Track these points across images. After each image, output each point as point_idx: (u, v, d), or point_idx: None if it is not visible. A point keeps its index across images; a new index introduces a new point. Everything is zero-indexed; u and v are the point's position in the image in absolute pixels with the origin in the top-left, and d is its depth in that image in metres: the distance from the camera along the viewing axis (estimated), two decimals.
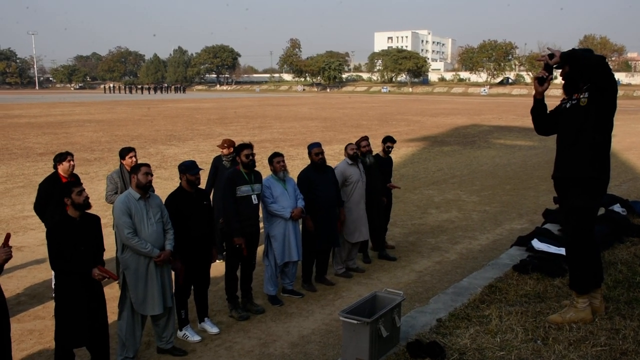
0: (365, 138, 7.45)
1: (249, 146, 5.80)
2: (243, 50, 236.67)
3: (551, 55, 4.09)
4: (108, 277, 4.26)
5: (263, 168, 13.69)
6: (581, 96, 4.12)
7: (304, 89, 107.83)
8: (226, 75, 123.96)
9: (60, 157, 6.05)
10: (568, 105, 4.23)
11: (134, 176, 4.68)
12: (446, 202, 11.26)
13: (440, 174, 14.70)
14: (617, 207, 8.30)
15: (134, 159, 6.23)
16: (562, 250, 6.03)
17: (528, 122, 4.53)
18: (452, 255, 7.77)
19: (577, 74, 4.10)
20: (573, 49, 4.10)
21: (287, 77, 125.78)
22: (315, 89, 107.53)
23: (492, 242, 8.38)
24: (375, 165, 7.41)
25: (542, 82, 4.26)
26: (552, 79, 4.34)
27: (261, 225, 6.15)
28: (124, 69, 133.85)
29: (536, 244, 6.40)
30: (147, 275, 4.68)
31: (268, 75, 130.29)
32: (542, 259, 5.95)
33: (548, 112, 4.42)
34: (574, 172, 4.10)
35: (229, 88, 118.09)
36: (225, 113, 38.85)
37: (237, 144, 6.46)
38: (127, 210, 4.58)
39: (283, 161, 6.11)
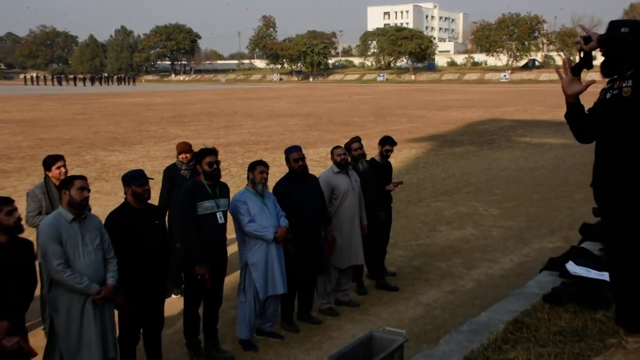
0: (357, 139, 7.48)
1: (213, 152, 5.78)
2: (204, 30, 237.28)
3: (587, 39, 4.01)
4: (25, 351, 4.22)
5: (231, 178, 13.70)
6: (624, 85, 4.05)
7: (280, 79, 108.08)
8: (183, 62, 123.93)
9: None
10: (608, 95, 4.19)
11: (65, 192, 4.63)
12: (459, 216, 11.33)
13: (451, 181, 14.79)
14: None
15: (62, 169, 6.18)
16: (604, 275, 6.07)
17: (560, 114, 4.49)
18: (467, 283, 7.80)
19: (620, 59, 4.05)
20: (614, 32, 4.04)
21: (259, 63, 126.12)
22: (295, 78, 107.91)
23: (517, 266, 8.43)
24: (370, 173, 7.43)
25: (576, 72, 4.20)
26: (590, 67, 4.23)
27: (228, 250, 6.12)
28: (50, 55, 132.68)
29: (572, 267, 6.44)
30: (82, 318, 4.62)
31: (236, 61, 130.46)
32: (579, 287, 5.99)
33: (587, 111, 4.36)
34: (620, 183, 4.08)
35: (187, 78, 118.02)
36: (182, 109, 38.73)
37: (194, 148, 6.45)
38: (56, 236, 4.52)
39: (266, 172, 6.13)
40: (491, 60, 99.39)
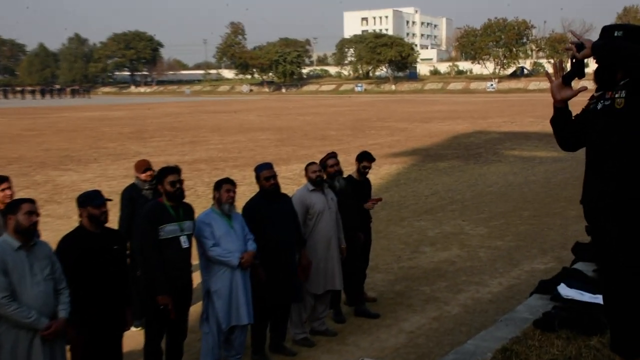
0: (333, 155, 7.51)
1: (175, 170, 5.78)
2: (166, 38, 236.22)
3: (579, 46, 4.07)
4: None
5: (196, 199, 13.64)
6: (616, 95, 4.10)
7: (251, 90, 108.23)
8: (144, 73, 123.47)
9: None
10: (599, 106, 4.23)
11: (10, 217, 4.58)
12: (444, 236, 11.41)
13: (435, 198, 14.91)
14: None
15: (8, 192, 6.09)
16: (599, 298, 6.14)
17: (550, 125, 4.53)
18: (453, 309, 7.83)
19: (613, 66, 4.09)
20: (608, 38, 4.09)
21: (227, 73, 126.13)
22: (267, 89, 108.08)
23: (506, 290, 8.49)
24: (347, 191, 7.46)
25: (567, 81, 4.24)
26: (582, 76, 4.27)
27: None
28: None
29: (564, 290, 6.51)
30: (29, 356, 4.54)
31: (202, 72, 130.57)
32: (572, 311, 6.05)
33: (573, 118, 4.41)
34: (610, 198, 4.11)
35: (149, 90, 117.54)
36: (143, 124, 38.54)
37: (157, 166, 6.43)
38: (0, 266, 4.46)
39: (233, 191, 6.13)
40: (477, 69, 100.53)
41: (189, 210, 5.90)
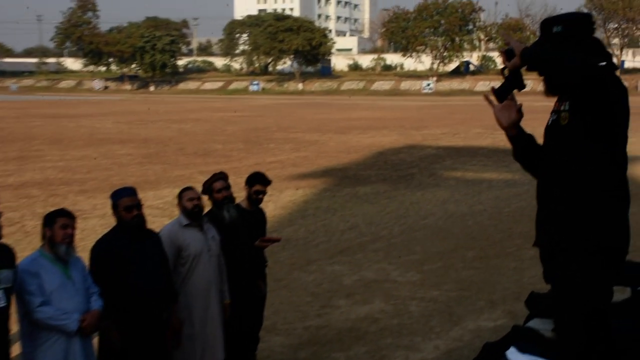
0: (222, 176, 7.45)
1: None
2: None
3: (509, 53, 4.20)
4: None
5: (25, 237, 13.26)
6: (562, 107, 4.29)
7: (106, 87, 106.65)
8: None
9: None
10: (550, 121, 4.42)
11: None
12: (364, 284, 11.45)
13: (353, 234, 15.00)
14: None
15: None
16: None
17: (502, 137, 4.69)
18: None
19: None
20: (544, 37, 4.29)
21: (72, 64, 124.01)
22: (128, 87, 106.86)
23: (443, 355, 8.58)
24: (239, 225, 7.44)
25: (502, 97, 4.36)
26: (522, 88, 4.41)
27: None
28: None
29: (514, 356, 6.68)
30: None
31: (35, 60, 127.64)
32: None
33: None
34: (566, 237, 4.28)
35: None
36: None
37: None
38: None
39: (72, 227, 6.02)
40: (409, 63, 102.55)
41: (7, 255, 5.73)
